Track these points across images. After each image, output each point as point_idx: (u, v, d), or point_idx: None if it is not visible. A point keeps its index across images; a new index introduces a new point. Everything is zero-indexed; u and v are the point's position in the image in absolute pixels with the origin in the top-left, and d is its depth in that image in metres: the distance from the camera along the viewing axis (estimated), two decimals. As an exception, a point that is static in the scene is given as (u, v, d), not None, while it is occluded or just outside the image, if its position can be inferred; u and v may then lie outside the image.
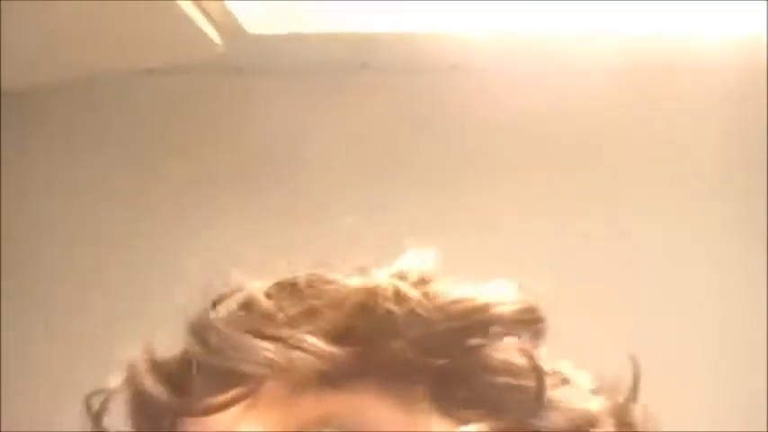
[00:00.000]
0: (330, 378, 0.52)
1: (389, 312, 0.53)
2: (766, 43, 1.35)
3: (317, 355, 0.52)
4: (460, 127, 1.50)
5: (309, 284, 0.56)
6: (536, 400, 0.54)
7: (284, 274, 0.58)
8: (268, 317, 0.55)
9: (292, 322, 0.54)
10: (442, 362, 0.53)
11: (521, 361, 0.55)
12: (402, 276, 0.55)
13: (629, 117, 1.49)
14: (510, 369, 0.54)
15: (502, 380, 0.54)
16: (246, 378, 0.53)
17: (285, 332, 0.53)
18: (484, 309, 0.55)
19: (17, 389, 1.45)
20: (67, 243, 1.51)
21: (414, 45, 1.43)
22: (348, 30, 1.38)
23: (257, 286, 0.57)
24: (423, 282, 0.55)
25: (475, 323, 0.55)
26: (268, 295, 0.56)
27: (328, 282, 0.56)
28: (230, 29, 1.29)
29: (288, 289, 0.57)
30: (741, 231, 1.45)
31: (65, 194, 1.52)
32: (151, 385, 0.56)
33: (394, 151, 1.51)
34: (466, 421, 0.53)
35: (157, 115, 1.54)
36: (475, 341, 0.54)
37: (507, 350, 0.55)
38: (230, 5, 1.27)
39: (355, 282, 0.56)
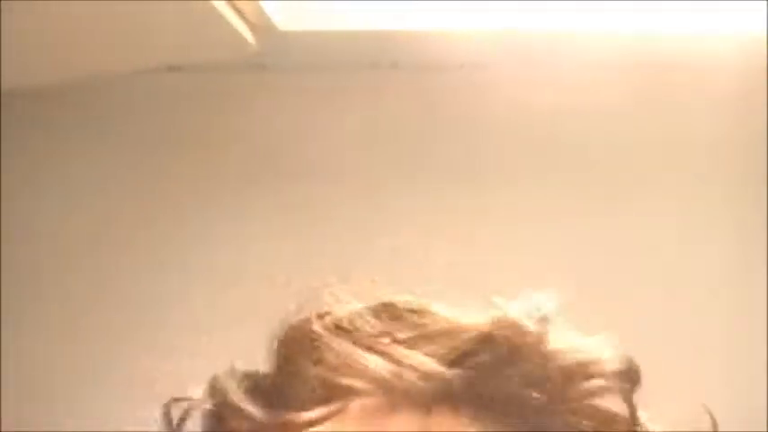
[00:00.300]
0: (429, 400, 0.52)
1: (513, 344, 0.53)
2: (766, 43, 1.35)
3: (429, 375, 0.52)
4: (468, 125, 1.50)
5: (412, 310, 0.57)
6: None
7: (375, 295, 0.58)
8: (377, 335, 0.54)
9: (405, 342, 0.54)
10: (542, 401, 0.53)
11: (615, 414, 0.55)
12: (528, 313, 0.55)
13: (635, 116, 1.49)
14: (603, 419, 0.55)
15: (591, 427, 0.55)
16: (345, 392, 0.53)
17: (397, 351, 0.53)
18: (594, 362, 0.55)
19: (17, 389, 1.45)
20: (68, 243, 1.51)
21: (443, 43, 1.42)
22: (360, 27, 1.38)
23: (359, 305, 0.57)
24: (543, 323, 0.55)
25: (583, 374, 0.55)
26: (376, 314, 0.56)
27: (432, 312, 0.56)
28: (262, 26, 1.29)
29: (389, 312, 0.57)
30: (741, 231, 1.45)
31: (65, 194, 1.52)
32: (240, 397, 0.55)
33: (406, 150, 1.51)
34: None
35: (175, 114, 1.54)
36: (578, 389, 0.54)
37: (604, 401, 0.55)
38: (263, 4, 1.26)
39: (465, 315, 0.55)
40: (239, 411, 0.55)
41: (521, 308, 0.55)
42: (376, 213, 1.48)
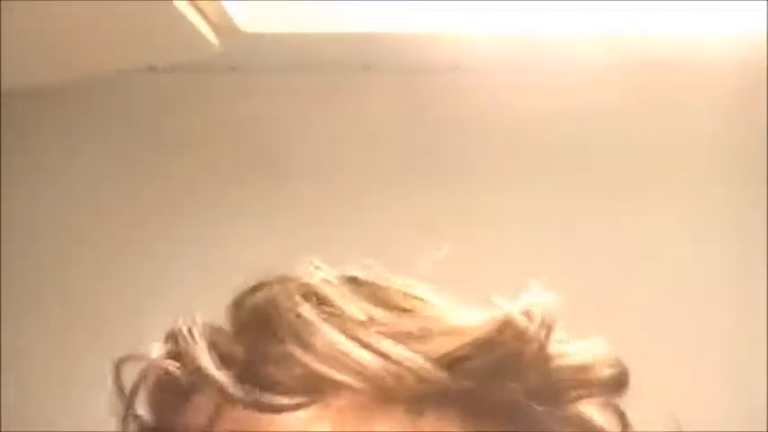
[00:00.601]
0: (422, 402, 0.49)
1: (514, 351, 0.50)
2: (766, 43, 1.34)
3: (422, 378, 0.48)
4: (462, 128, 1.50)
5: (408, 296, 0.53)
6: None
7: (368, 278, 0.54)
8: (370, 324, 0.50)
9: (401, 336, 0.50)
10: (540, 411, 0.51)
11: (607, 422, 0.54)
12: (530, 316, 0.52)
13: (629, 116, 1.49)
14: (594, 428, 0.54)
15: None
16: (332, 385, 0.48)
17: (392, 347, 0.49)
18: (589, 368, 0.53)
19: (17, 389, 1.45)
20: (68, 243, 1.51)
21: (415, 46, 1.43)
22: (346, 30, 1.38)
23: (318, 276, 0.53)
24: (546, 326, 0.52)
25: (577, 381, 0.53)
26: (370, 298, 0.52)
27: (430, 304, 0.53)
28: (226, 28, 1.29)
29: (382, 297, 0.53)
30: (741, 231, 1.45)
31: (65, 194, 1.52)
32: (211, 367, 0.50)
33: (394, 152, 1.51)
34: None
35: (155, 114, 1.54)
36: (573, 395, 0.53)
37: (596, 409, 0.54)
38: (226, 5, 1.27)
39: (463, 312, 0.52)
40: (210, 382, 0.50)
41: (522, 309, 0.52)
42: (364, 213, 1.47)
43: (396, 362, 0.48)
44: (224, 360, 0.50)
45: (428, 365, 0.48)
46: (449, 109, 1.51)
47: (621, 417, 0.54)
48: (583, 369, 0.53)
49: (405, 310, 0.52)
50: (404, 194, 1.49)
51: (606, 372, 0.54)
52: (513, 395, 0.50)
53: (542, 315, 0.52)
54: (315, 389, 0.48)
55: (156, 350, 0.53)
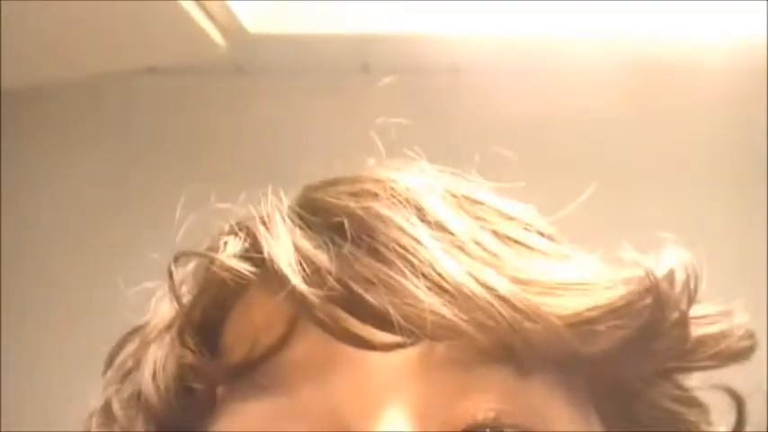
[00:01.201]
0: (530, 364, 0.40)
1: (657, 321, 0.43)
2: (766, 44, 1.35)
3: (551, 338, 0.40)
4: (462, 129, 1.50)
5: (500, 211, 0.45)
6: None
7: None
8: (482, 257, 0.41)
9: (523, 283, 0.41)
10: (657, 383, 0.45)
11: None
12: (672, 279, 0.46)
13: (629, 118, 1.49)
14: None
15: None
16: (440, 327, 0.39)
17: (516, 293, 0.40)
18: (727, 336, 0.47)
19: (17, 389, 1.45)
20: (67, 242, 1.51)
21: (415, 47, 1.43)
22: (347, 30, 1.38)
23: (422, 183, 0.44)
24: (689, 291, 0.46)
25: (714, 352, 0.47)
26: (456, 212, 0.44)
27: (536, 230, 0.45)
28: (232, 28, 1.29)
29: (470, 204, 0.45)
30: (741, 232, 1.45)
31: (64, 194, 1.52)
32: (298, 279, 0.40)
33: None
34: None
35: (158, 115, 1.54)
36: (704, 365, 0.47)
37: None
38: (232, 5, 1.27)
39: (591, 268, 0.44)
40: (293, 297, 0.40)
41: (664, 271, 0.46)
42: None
43: (526, 315, 0.40)
44: (309, 268, 0.41)
45: (559, 324, 0.40)
46: (449, 110, 1.51)
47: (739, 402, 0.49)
48: (721, 337, 0.47)
49: (528, 248, 0.45)
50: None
51: (741, 343, 0.49)
52: (638, 367, 0.43)
53: (686, 278, 0.46)
54: (421, 329, 0.39)
55: (224, 246, 0.45)
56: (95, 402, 0.50)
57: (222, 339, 0.44)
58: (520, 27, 1.38)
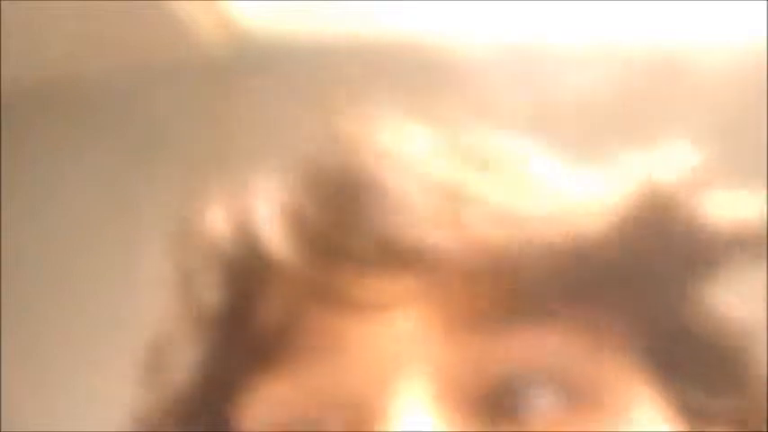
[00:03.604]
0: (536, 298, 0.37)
1: (665, 226, 0.39)
2: (766, 46, 1.35)
3: (553, 266, 0.36)
4: (461, 130, 1.50)
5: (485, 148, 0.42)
6: None
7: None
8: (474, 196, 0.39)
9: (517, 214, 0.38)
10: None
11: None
12: (680, 185, 0.42)
13: (629, 120, 1.49)
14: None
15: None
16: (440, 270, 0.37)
17: (515, 225, 0.37)
18: (747, 229, 0.42)
19: (17, 389, 1.45)
20: (67, 242, 1.51)
21: (414, 47, 1.43)
22: (348, 30, 1.38)
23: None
24: (697, 188, 0.42)
25: (729, 247, 0.42)
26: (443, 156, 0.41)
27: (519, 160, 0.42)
28: (228, 29, 1.30)
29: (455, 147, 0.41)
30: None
31: (65, 194, 1.52)
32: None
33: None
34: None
35: (154, 113, 1.54)
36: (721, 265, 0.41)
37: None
38: (228, 5, 1.27)
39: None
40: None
41: (664, 173, 0.42)
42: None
43: (523, 237, 0.37)
44: (308, 242, 0.40)
45: (561, 250, 0.37)
46: (448, 110, 1.51)
47: None
48: (738, 230, 0.43)
49: (524, 176, 0.43)
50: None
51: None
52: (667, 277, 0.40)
53: (691, 175, 0.43)
54: (420, 255, 0.37)
55: (222, 231, 0.43)
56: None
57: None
58: (519, 28, 1.38)
